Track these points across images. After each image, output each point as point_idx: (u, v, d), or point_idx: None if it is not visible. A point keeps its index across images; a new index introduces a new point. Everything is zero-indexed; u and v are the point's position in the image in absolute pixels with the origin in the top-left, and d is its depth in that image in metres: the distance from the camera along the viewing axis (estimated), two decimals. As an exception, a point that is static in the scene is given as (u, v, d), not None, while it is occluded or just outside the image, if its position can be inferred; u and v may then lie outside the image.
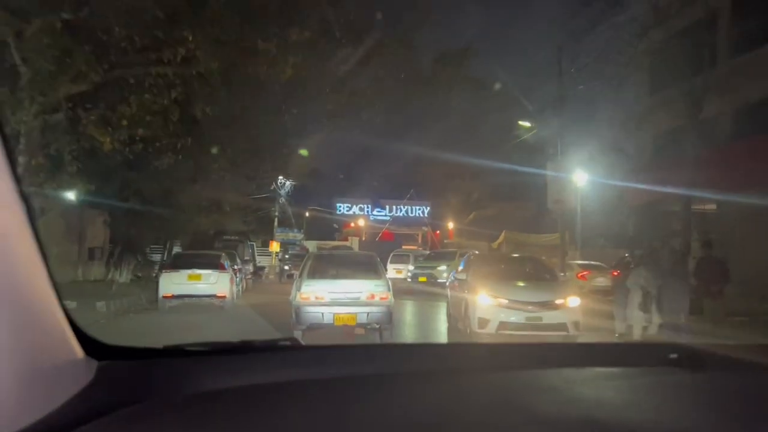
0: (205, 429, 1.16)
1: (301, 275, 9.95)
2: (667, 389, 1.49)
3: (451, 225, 45.17)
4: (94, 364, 1.34)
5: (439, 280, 21.92)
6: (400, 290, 19.25)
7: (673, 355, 1.63)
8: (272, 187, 37.21)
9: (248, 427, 1.17)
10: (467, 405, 1.35)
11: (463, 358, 1.82)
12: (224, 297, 14.37)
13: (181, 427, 1.17)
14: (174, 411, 1.25)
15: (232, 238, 24.56)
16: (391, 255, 27.78)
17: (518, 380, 1.56)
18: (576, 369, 1.64)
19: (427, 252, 31.72)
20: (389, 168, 52.53)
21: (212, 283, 14.43)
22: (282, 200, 38.18)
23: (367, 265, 10.29)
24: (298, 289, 9.51)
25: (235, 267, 18.80)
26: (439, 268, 22.81)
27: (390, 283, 9.94)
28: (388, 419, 1.24)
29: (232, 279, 14.97)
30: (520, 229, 41.67)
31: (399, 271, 25.22)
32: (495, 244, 41.21)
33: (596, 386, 1.51)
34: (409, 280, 23.55)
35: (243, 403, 1.30)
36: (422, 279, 23.14)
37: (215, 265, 14.79)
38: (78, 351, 1.27)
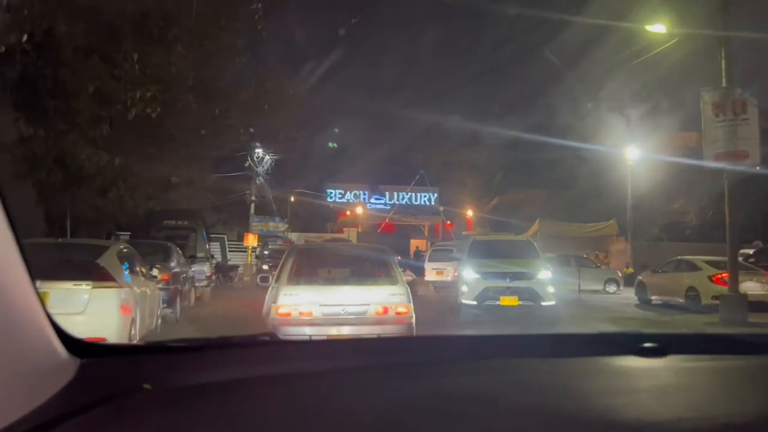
0: (188, 423, 1.14)
1: (278, 279, 7.21)
2: (634, 377, 1.52)
3: (470, 213, 37.10)
4: (76, 361, 1.31)
5: (544, 304, 11.29)
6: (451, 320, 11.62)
7: (642, 344, 1.62)
8: (247, 164, 28.88)
9: (230, 420, 1.15)
10: (443, 397, 1.32)
11: (441, 350, 1.80)
12: (103, 341, 6.08)
13: (164, 422, 1.15)
14: (156, 406, 1.23)
15: (180, 223, 16.14)
16: (431, 251, 21.96)
17: (490, 370, 1.55)
18: (548, 359, 1.61)
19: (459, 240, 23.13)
20: (390, 147, 44.65)
21: (75, 311, 6.20)
22: (259, 180, 29.69)
23: (376, 264, 7.89)
24: (274, 300, 6.89)
25: (165, 271, 10.58)
26: (539, 277, 11.58)
27: (409, 289, 7.44)
28: (364, 412, 1.22)
29: (128, 300, 6.72)
30: (553, 217, 33.89)
31: (440, 273, 18.66)
32: (525, 236, 33.33)
33: (567, 376, 1.52)
34: (472, 302, 11.61)
35: (224, 397, 1.28)
36: (509, 301, 11.33)
37: (84, 270, 6.50)
38: (58, 349, 1.26)
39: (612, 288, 21.88)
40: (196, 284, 14.77)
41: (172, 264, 11.32)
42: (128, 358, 1.57)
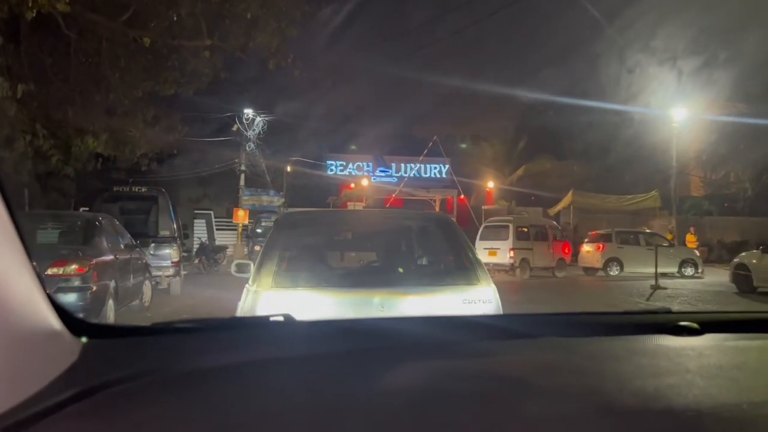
0: (198, 407, 1.08)
1: (257, 276, 4.01)
2: (676, 357, 1.39)
3: (491, 185, 33.00)
4: (79, 343, 1.26)
5: None
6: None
7: (677, 323, 1.54)
8: (234, 127, 24.66)
9: (243, 404, 1.08)
10: (469, 377, 1.24)
11: (466, 330, 1.67)
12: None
13: (173, 405, 1.09)
14: (164, 389, 1.17)
15: (136, 190, 11.84)
16: (482, 228, 18.38)
17: (516, 350, 1.48)
18: (577, 339, 1.52)
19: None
20: (398, 114, 40.56)
21: None
22: (250, 146, 25.41)
23: (436, 248, 4.93)
24: (251, 314, 3.85)
25: (77, 261, 6.52)
26: None
27: (497, 292, 4.11)
28: (385, 394, 1.15)
29: None
30: (586, 189, 29.81)
31: (494, 253, 15.81)
32: (554, 210, 29.38)
33: (602, 356, 1.43)
34: None
35: (235, 381, 1.20)
36: None
37: None
38: (61, 330, 1.21)
39: (689, 271, 17.87)
40: (157, 274, 10.70)
41: (99, 248, 7.16)
42: (134, 339, 1.48)
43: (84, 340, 1.28)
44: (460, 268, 4.41)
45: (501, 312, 4.24)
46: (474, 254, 4.49)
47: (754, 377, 1.28)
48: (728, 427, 1.00)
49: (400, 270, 4.74)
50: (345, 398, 1.13)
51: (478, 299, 4.07)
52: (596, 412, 1.05)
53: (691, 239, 19.07)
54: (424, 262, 5.09)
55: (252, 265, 4.43)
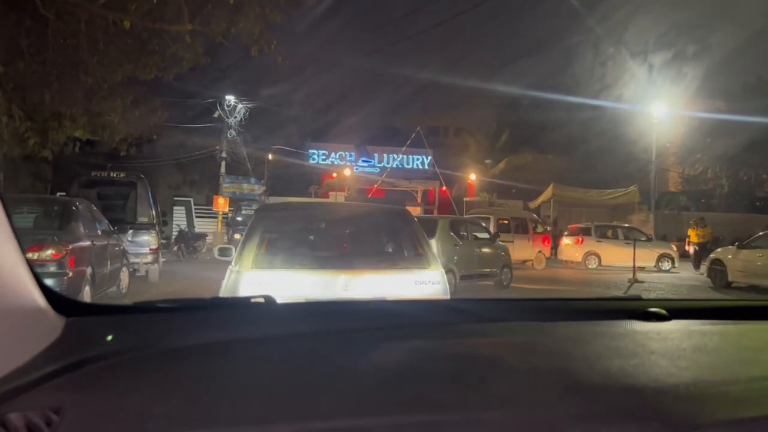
0: (179, 382, 1.11)
1: (239, 258, 4.72)
2: (642, 340, 1.45)
3: (473, 177, 33.05)
4: (62, 320, 1.27)
5: None
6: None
7: (646, 310, 1.59)
8: (216, 114, 24.37)
9: (223, 381, 1.11)
10: (443, 358, 1.30)
11: (442, 312, 1.76)
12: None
13: (154, 380, 1.12)
14: (146, 365, 1.19)
15: (114, 176, 11.65)
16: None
17: (489, 333, 1.52)
18: (549, 323, 1.57)
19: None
20: (381, 105, 40.48)
21: None
22: (231, 133, 25.15)
23: (394, 235, 5.59)
24: (233, 292, 4.53)
25: (53, 246, 6.40)
26: None
27: (445, 275, 5.01)
28: (361, 372, 1.19)
29: None
30: (566, 183, 29.98)
31: None
32: (535, 203, 29.56)
33: (572, 339, 1.47)
34: None
35: (215, 358, 1.24)
36: None
37: None
38: (44, 306, 1.22)
39: (666, 265, 18.11)
40: (135, 261, 10.56)
41: (75, 234, 7.04)
42: (117, 317, 1.50)
43: (67, 317, 1.28)
44: (416, 254, 5.13)
45: (448, 293, 5.03)
46: (427, 243, 5.22)
47: (713, 358, 1.33)
48: (685, 403, 1.04)
49: (361, 254, 5.43)
50: (323, 375, 1.15)
51: (427, 281, 4.81)
52: (563, 389, 1.09)
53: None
54: (389, 249, 5.62)
55: (234, 249, 5.03)
